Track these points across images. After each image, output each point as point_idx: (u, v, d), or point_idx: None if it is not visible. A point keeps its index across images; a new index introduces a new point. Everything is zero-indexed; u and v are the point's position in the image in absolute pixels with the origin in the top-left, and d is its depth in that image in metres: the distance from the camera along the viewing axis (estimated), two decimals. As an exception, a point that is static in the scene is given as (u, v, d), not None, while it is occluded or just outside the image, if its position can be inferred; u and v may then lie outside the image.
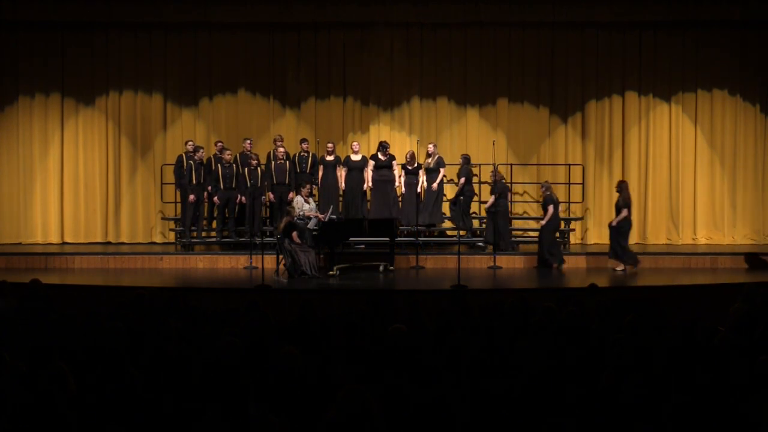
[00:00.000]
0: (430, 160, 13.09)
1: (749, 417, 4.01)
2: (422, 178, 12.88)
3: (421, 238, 12.72)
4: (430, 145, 13.26)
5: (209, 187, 12.94)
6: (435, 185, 12.97)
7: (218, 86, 14.79)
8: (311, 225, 11.76)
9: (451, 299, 7.82)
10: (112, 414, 4.03)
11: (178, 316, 6.55)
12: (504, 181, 12.94)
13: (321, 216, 11.71)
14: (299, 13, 14.18)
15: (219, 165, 12.92)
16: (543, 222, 12.11)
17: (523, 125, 14.71)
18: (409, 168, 12.89)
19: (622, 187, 12.10)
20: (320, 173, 13.02)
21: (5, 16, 14.09)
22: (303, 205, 11.71)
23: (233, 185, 12.89)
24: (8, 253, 12.90)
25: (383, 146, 12.93)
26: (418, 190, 12.85)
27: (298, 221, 11.51)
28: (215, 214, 13.17)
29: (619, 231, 11.88)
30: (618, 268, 11.80)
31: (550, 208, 12.02)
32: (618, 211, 11.97)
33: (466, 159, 13.18)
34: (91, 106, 14.71)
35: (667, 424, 4.05)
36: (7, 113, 14.63)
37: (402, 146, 14.04)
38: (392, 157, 13.01)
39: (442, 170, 13.09)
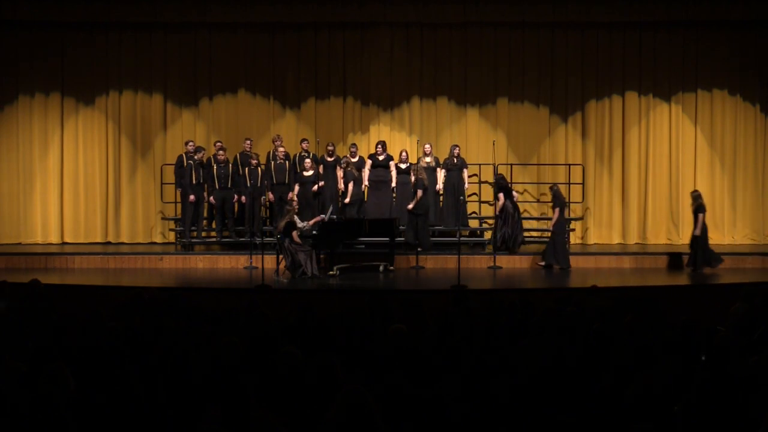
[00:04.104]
0: (429, 159, 13.09)
1: (749, 416, 4.01)
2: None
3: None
4: (427, 146, 13.26)
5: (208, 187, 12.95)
6: (440, 186, 12.99)
7: (218, 86, 14.79)
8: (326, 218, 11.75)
9: (451, 299, 7.81)
10: (112, 414, 4.02)
11: (177, 316, 6.55)
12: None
13: (321, 217, 11.68)
14: (299, 13, 14.19)
15: (215, 165, 12.92)
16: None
17: (523, 125, 14.71)
18: (402, 168, 12.88)
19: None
20: (320, 173, 13.01)
21: (5, 16, 14.10)
22: (299, 223, 11.55)
23: (228, 185, 12.88)
24: (8, 253, 12.90)
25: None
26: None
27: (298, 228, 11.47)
28: (214, 214, 13.16)
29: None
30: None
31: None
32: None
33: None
34: (91, 106, 14.71)
35: (668, 424, 4.05)
36: (7, 113, 14.63)
37: (402, 146, 14.02)
38: (390, 157, 13.01)
39: (439, 170, 13.10)
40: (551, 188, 12.53)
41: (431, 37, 14.67)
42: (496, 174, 13.10)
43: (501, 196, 12.41)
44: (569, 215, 14.10)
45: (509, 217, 12.38)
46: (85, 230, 14.60)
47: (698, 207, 11.80)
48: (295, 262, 11.04)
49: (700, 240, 11.77)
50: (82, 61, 14.65)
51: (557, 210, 12.05)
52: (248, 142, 13.44)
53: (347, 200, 12.61)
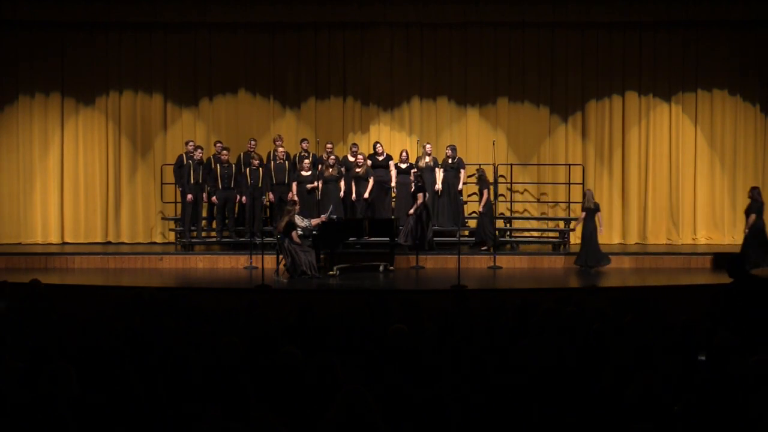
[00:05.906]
0: (428, 159, 13.08)
1: (749, 416, 4.01)
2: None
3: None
4: (428, 145, 13.25)
5: (208, 187, 12.93)
6: (438, 186, 12.97)
7: (218, 86, 14.79)
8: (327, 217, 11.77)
9: (451, 299, 7.81)
10: (112, 414, 4.02)
11: (177, 316, 6.55)
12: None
13: (322, 218, 11.67)
14: (299, 13, 14.19)
15: (218, 165, 12.92)
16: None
17: (523, 125, 14.72)
18: (402, 167, 12.86)
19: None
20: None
21: (5, 16, 14.10)
22: (301, 221, 11.56)
23: (231, 185, 12.88)
24: (8, 253, 12.91)
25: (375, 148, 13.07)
26: (412, 189, 12.78)
27: (300, 227, 11.47)
28: (215, 214, 13.16)
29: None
30: None
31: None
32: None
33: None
34: (91, 106, 14.72)
35: (668, 424, 4.04)
36: (7, 113, 14.63)
37: (402, 146, 14.01)
38: (389, 157, 13.01)
39: (438, 170, 13.08)
40: (477, 170, 12.86)
41: (431, 37, 14.67)
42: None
43: (420, 196, 12.29)
44: (570, 215, 14.12)
45: (422, 214, 12.31)
46: (85, 230, 14.60)
47: (582, 205, 12.24)
48: (295, 263, 11.04)
49: (585, 238, 11.92)
50: (82, 61, 14.65)
51: (485, 191, 12.50)
52: (252, 142, 13.42)
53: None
